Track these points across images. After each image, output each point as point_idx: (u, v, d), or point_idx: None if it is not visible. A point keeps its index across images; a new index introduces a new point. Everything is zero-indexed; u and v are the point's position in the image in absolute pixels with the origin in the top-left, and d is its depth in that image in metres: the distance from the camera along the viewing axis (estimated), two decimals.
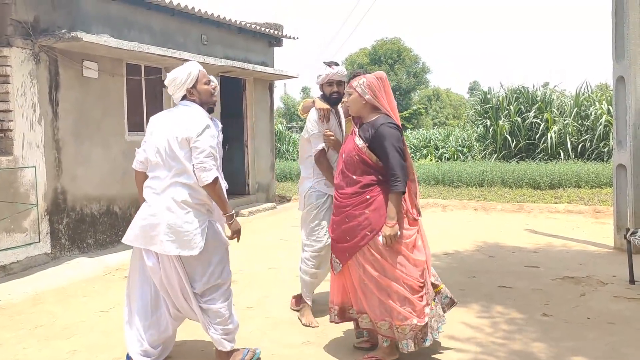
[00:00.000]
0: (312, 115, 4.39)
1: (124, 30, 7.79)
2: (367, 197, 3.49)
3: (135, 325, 3.54)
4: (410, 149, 20.30)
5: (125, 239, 3.55)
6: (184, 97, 3.59)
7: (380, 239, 3.42)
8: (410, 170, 3.61)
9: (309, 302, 4.48)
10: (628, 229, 5.57)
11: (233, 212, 3.50)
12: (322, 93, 4.44)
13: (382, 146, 3.46)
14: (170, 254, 3.36)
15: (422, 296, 3.50)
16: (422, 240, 3.63)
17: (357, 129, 3.67)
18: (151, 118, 3.66)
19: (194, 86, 3.56)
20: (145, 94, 8.43)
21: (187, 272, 3.44)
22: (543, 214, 9.63)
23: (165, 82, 3.62)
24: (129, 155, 7.89)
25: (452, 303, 3.80)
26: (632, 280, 5.27)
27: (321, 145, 4.30)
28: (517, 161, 15.70)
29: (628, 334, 4.02)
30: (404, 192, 3.46)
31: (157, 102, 8.71)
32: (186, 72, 3.54)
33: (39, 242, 6.47)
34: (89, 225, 7.24)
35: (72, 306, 5.03)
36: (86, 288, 5.64)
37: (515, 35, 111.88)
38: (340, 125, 4.48)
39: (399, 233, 3.44)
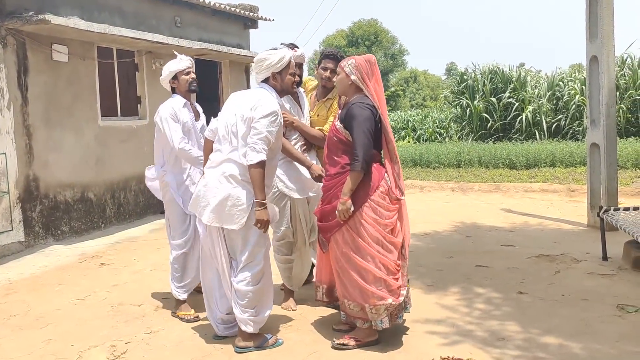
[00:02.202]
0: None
1: (95, 12, 7.60)
2: (348, 177, 3.50)
3: (211, 298, 3.76)
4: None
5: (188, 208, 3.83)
6: (266, 80, 3.68)
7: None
8: (393, 152, 3.61)
9: (289, 286, 4.48)
10: (601, 207, 5.66)
11: (264, 200, 3.49)
12: None
13: (350, 125, 3.52)
14: (212, 224, 3.51)
15: (397, 277, 3.53)
16: (402, 221, 3.65)
17: (340, 110, 3.71)
18: (231, 94, 3.78)
19: (280, 72, 3.67)
20: (118, 77, 8.27)
21: (227, 245, 3.59)
22: (519, 193, 9.74)
23: (255, 60, 3.72)
24: (102, 140, 7.75)
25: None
26: (605, 257, 5.37)
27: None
28: (493, 141, 15.85)
29: (601, 310, 4.10)
30: (363, 172, 3.48)
31: (131, 86, 8.56)
32: (278, 56, 3.66)
33: (12, 230, 6.34)
34: (63, 213, 7.12)
35: (46, 295, 4.95)
36: (61, 276, 5.55)
37: (493, 15, 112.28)
38: (300, 106, 4.30)
39: (352, 209, 3.48)
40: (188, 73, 4.30)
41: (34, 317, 4.39)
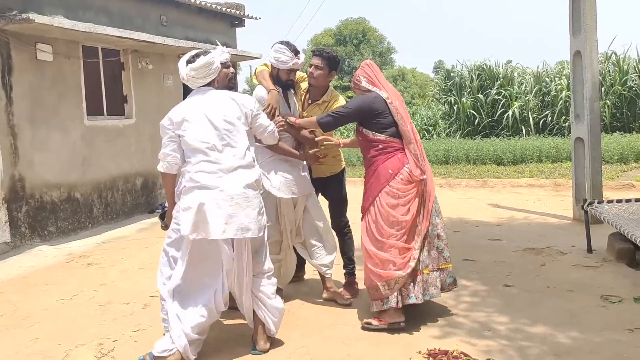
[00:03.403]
0: (258, 93, 4.13)
1: (79, 11, 7.55)
2: (373, 168, 3.87)
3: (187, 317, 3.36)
4: None
5: (214, 234, 3.27)
6: (209, 83, 3.54)
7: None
8: (407, 135, 3.84)
9: (277, 284, 4.45)
10: (585, 200, 5.72)
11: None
12: (276, 73, 4.18)
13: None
14: (254, 236, 3.39)
15: (405, 255, 3.73)
16: (427, 200, 3.83)
17: None
18: (181, 109, 3.48)
19: (220, 72, 3.60)
20: (104, 77, 8.23)
21: (252, 254, 3.50)
22: (506, 188, 9.82)
23: (197, 67, 3.45)
24: (88, 140, 7.71)
25: (454, 284, 4.07)
26: (589, 250, 5.44)
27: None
28: (481, 138, 15.94)
29: (585, 301, 4.16)
30: (320, 127, 3.97)
31: (117, 86, 8.52)
32: (218, 57, 3.57)
33: None
34: (49, 213, 7.07)
35: (33, 295, 4.93)
36: (48, 276, 5.52)
37: (481, 13, 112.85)
38: (289, 106, 4.25)
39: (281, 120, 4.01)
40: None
41: (20, 316, 4.36)
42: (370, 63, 4.06)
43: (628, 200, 5.62)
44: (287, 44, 4.13)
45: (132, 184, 8.62)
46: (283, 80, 4.18)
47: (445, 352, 3.34)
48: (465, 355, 3.30)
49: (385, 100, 3.86)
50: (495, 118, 16.94)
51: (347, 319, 4.01)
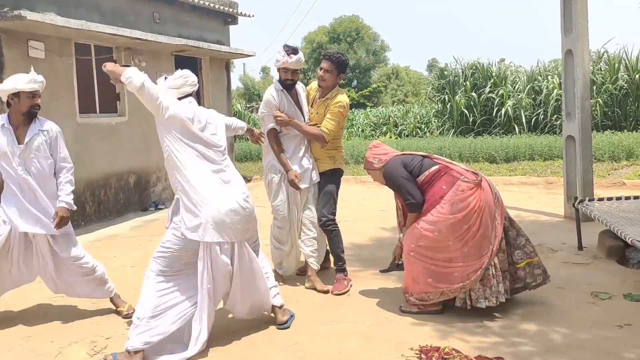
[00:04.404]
0: (265, 96, 4.56)
1: (72, 8, 7.53)
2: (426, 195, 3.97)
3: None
4: (370, 126, 20.47)
5: (228, 237, 3.46)
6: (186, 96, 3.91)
7: None
8: (442, 159, 4.04)
9: (279, 271, 4.73)
10: (576, 198, 5.76)
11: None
12: (279, 77, 4.57)
13: (393, 189, 4.16)
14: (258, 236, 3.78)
15: (460, 267, 3.81)
16: (484, 209, 3.81)
17: None
18: (188, 108, 3.77)
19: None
20: (97, 74, 8.20)
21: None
22: (498, 186, 9.72)
23: (181, 80, 3.88)
24: (81, 138, 7.69)
25: (545, 277, 4.08)
26: (580, 247, 5.48)
27: (271, 125, 4.48)
28: (473, 136, 16.00)
29: (576, 297, 4.20)
30: (414, 211, 3.96)
31: (109, 83, 8.44)
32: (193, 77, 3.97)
33: None
34: None
35: (25, 292, 4.89)
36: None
37: (475, 12, 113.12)
38: (300, 105, 4.61)
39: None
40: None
41: (12, 314, 4.35)
42: (376, 144, 4.23)
43: (619, 198, 5.67)
44: (287, 46, 4.47)
45: (125, 182, 8.60)
46: (282, 80, 4.52)
47: (437, 349, 3.36)
48: (457, 351, 3.32)
49: (401, 155, 4.09)
50: (488, 116, 17.01)
51: (340, 316, 4.03)
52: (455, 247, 3.79)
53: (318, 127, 4.52)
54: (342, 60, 4.56)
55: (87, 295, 4.26)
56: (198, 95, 10.79)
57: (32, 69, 4.09)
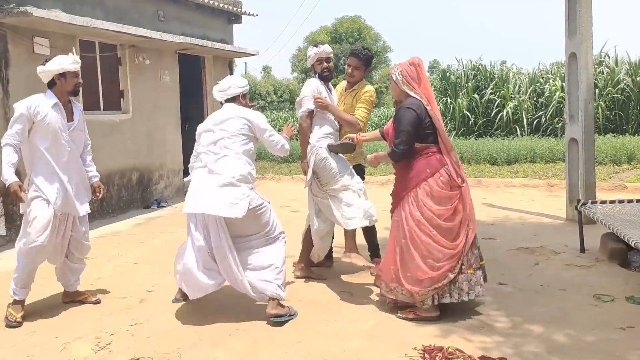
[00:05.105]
0: (306, 85, 4.75)
1: (76, 5, 7.54)
2: (408, 165, 3.96)
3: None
4: (372, 127, 20.48)
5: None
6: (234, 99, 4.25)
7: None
8: (447, 142, 3.96)
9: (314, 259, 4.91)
10: (579, 200, 5.77)
11: None
12: (316, 73, 4.80)
13: (395, 127, 3.98)
14: None
15: (442, 263, 3.80)
16: (465, 208, 3.91)
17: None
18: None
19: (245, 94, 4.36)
20: (101, 71, 8.21)
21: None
22: (500, 188, 9.88)
23: (238, 83, 4.26)
24: None
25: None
26: (582, 249, 5.50)
27: (311, 106, 4.62)
28: (475, 138, 16.01)
29: (578, 299, 4.21)
30: (393, 159, 3.98)
31: (114, 81, 8.51)
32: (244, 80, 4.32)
33: None
34: None
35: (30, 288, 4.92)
36: (44, 270, 5.46)
37: (477, 13, 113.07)
38: (330, 92, 4.85)
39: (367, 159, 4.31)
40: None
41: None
42: (418, 62, 4.05)
43: (621, 201, 5.69)
44: (312, 44, 4.92)
45: (128, 179, 8.61)
46: (320, 72, 4.77)
47: (441, 349, 3.38)
48: (461, 351, 3.34)
49: (425, 108, 3.91)
50: (489, 118, 17.02)
51: (343, 315, 4.05)
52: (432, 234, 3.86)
53: (352, 114, 4.74)
54: (369, 56, 4.90)
55: (72, 275, 4.45)
56: (200, 94, 10.83)
57: (73, 50, 4.41)
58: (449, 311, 3.99)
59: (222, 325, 3.91)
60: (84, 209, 4.30)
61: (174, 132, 9.59)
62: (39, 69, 4.17)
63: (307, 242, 4.87)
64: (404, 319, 3.93)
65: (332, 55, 4.80)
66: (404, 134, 3.88)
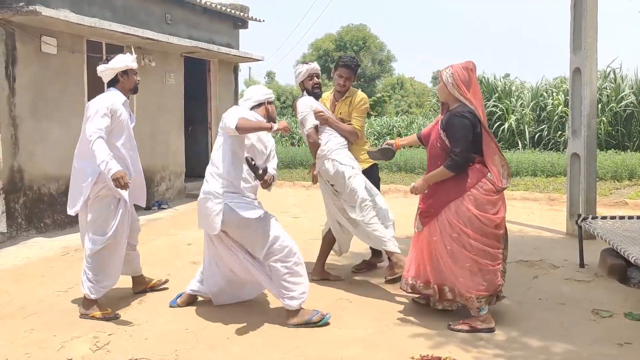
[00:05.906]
0: (301, 103, 4.83)
1: (85, 5, 7.59)
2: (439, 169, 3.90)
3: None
4: (374, 136, 20.51)
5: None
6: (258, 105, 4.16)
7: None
8: (498, 148, 3.91)
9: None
10: (579, 215, 5.78)
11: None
12: (304, 90, 4.92)
13: (449, 133, 3.82)
14: None
15: (497, 268, 3.91)
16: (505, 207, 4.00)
17: (442, 117, 3.98)
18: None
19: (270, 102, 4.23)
20: None
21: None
22: None
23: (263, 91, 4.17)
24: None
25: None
26: (582, 264, 5.50)
27: (315, 121, 4.74)
28: None
29: (577, 314, 4.21)
30: (452, 173, 3.82)
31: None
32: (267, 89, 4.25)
33: None
34: (47, 205, 7.09)
35: (29, 286, 4.94)
36: (44, 268, 5.53)
37: (482, 26, 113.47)
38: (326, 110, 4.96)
39: (424, 190, 4.07)
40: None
41: (16, 307, 4.38)
42: (472, 67, 3.89)
43: (621, 217, 5.69)
44: (298, 62, 4.90)
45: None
46: (311, 89, 4.89)
47: (438, 359, 3.38)
48: None
49: (477, 117, 3.82)
50: (492, 130, 17.06)
51: (341, 322, 4.05)
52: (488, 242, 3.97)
53: (349, 124, 4.90)
54: (357, 64, 5.04)
55: (137, 258, 4.79)
56: (205, 97, 10.87)
57: (132, 49, 4.63)
58: (446, 321, 4.00)
59: (220, 329, 3.91)
60: (144, 200, 4.72)
61: (178, 134, 9.62)
62: (102, 67, 4.23)
63: (326, 244, 5.06)
64: (457, 330, 3.85)
65: (319, 72, 4.96)
66: (462, 142, 3.76)
